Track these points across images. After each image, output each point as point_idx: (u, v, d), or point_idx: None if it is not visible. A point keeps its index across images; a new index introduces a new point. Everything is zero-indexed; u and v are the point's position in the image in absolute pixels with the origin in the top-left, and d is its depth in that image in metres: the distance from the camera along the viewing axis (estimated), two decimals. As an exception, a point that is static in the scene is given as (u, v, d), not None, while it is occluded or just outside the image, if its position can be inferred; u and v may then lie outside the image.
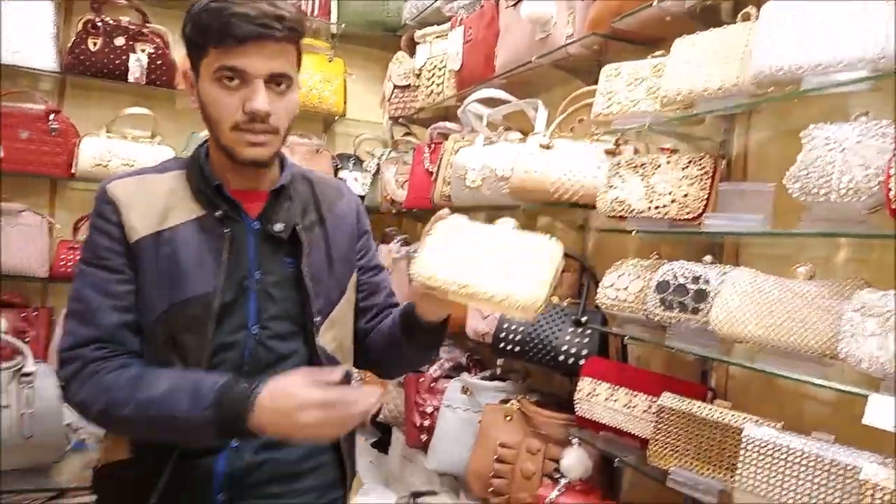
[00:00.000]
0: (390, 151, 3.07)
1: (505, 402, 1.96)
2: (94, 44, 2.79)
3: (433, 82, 2.68)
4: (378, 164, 3.10)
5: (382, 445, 2.79)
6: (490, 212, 2.38)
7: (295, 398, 0.96)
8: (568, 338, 1.73)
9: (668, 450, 1.36)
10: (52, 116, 2.74)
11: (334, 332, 1.21)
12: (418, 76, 2.80)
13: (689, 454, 1.33)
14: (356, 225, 1.31)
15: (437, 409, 2.27)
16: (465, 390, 2.11)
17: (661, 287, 1.39)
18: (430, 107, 2.73)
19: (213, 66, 1.06)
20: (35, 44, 2.73)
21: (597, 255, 2.01)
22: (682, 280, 1.37)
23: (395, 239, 2.91)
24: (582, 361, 1.68)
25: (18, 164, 2.70)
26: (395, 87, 2.94)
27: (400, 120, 3.02)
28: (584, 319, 1.73)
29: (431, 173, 2.51)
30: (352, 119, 3.38)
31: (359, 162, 3.28)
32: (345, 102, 3.27)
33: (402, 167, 2.87)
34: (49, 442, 1.82)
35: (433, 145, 2.60)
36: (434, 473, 2.22)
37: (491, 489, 1.82)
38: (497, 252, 0.99)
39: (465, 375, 2.15)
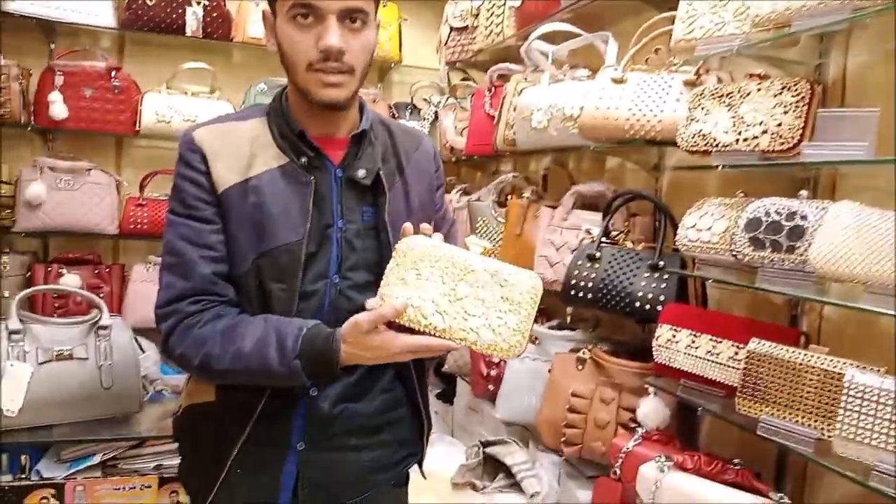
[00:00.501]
0: (448, 98, 2.98)
1: (575, 351, 1.90)
2: (150, -2, 2.77)
3: (492, 21, 2.56)
4: (436, 112, 3.02)
5: (447, 396, 2.79)
6: (557, 154, 2.28)
7: (366, 340, 0.99)
8: (644, 283, 1.64)
9: (758, 398, 1.28)
10: (113, 74, 2.75)
11: None
12: (476, 16, 2.68)
13: (781, 402, 1.25)
14: (433, 175, 1.27)
15: (502, 358, 2.23)
16: (533, 339, 2.06)
17: (752, 225, 1.28)
18: (489, 48, 2.62)
19: (287, 3, 1.03)
20: (93, 1, 2.73)
21: (672, 195, 1.90)
22: (775, 217, 1.26)
23: (455, 188, 2.84)
24: (659, 308, 1.60)
25: (84, 123, 2.74)
26: (452, 29, 2.83)
27: (457, 64, 2.92)
28: (661, 264, 1.64)
29: (493, 117, 2.41)
30: (407, 66, 3.30)
31: (416, 110, 3.21)
32: (400, 49, 3.18)
33: (460, 113, 2.79)
34: (127, 392, 1.87)
35: (493, 88, 2.50)
36: (501, 423, 2.20)
37: (563, 439, 1.77)
38: (474, 292, 0.94)
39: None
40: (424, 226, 1.03)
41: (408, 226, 1.03)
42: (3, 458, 1.74)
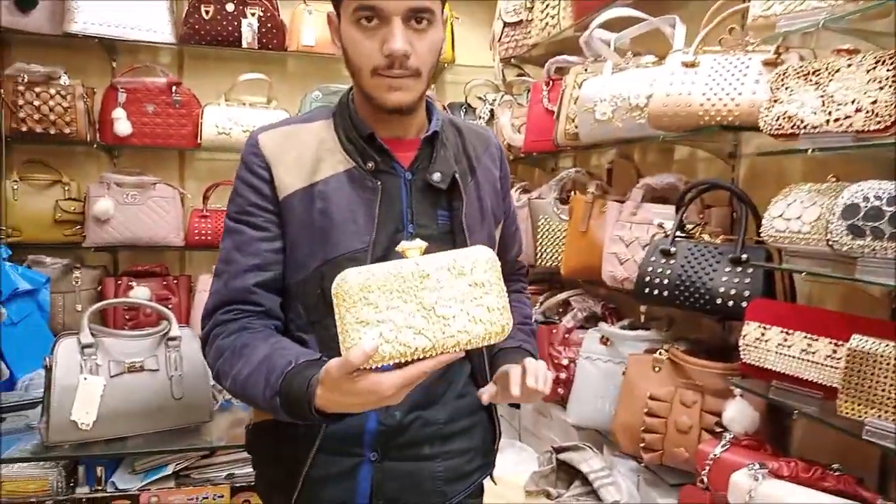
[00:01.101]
0: (503, 95, 2.92)
1: (650, 351, 1.81)
2: (207, 12, 2.81)
3: (547, 14, 2.49)
4: (491, 110, 2.96)
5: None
6: (622, 146, 2.19)
7: (344, 388, 0.87)
8: (725, 279, 1.54)
9: (862, 399, 1.17)
10: (174, 89, 2.80)
11: None
12: (530, 9, 2.61)
13: (889, 403, 1.14)
14: (500, 175, 1.22)
15: (572, 361, 2.16)
16: (604, 341, 1.97)
17: (849, 212, 1.18)
18: (544, 41, 2.55)
19: (350, 6, 0.99)
20: (152, 17, 2.79)
21: (750, 184, 1.78)
22: (875, 202, 1.15)
23: (515, 186, 2.77)
24: (743, 304, 1.50)
25: (147, 138, 2.79)
26: (506, 24, 2.77)
27: (512, 60, 2.85)
28: (744, 257, 1.54)
29: (552, 112, 2.34)
30: (461, 65, 3.25)
31: (470, 109, 3.15)
32: (452, 48, 3.14)
33: (517, 110, 2.72)
34: (197, 402, 1.87)
35: (551, 82, 2.42)
36: (571, 427, 2.12)
37: (642, 444, 1.69)
38: (441, 294, 0.84)
39: (602, 325, 2.01)
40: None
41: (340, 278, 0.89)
42: (80, 471, 1.77)
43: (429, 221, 1.09)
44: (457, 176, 1.10)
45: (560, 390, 2.18)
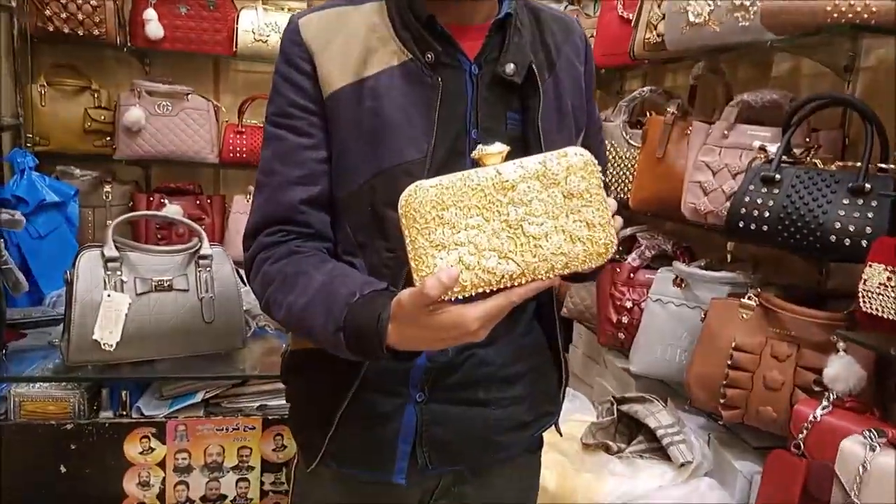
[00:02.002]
0: (566, 5, 2.62)
1: (734, 296, 1.59)
2: None
3: None
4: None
5: (563, 343, 2.53)
6: (709, 60, 1.90)
7: (421, 322, 0.74)
8: (843, 212, 1.30)
9: None
10: (207, -12, 2.58)
11: None
12: None
13: None
14: (585, 70, 1.00)
15: (636, 303, 1.95)
16: (678, 282, 1.76)
17: None
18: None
19: None
20: None
21: (871, 102, 1.50)
22: None
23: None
24: (864, 242, 1.26)
25: (180, 43, 2.60)
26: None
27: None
28: (867, 186, 1.28)
29: (628, 20, 2.06)
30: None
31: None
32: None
33: (584, 21, 2.43)
34: (230, 327, 1.74)
35: (629, -13, 2.13)
36: (628, 376, 1.93)
37: (722, 400, 1.49)
38: (530, 209, 0.71)
39: (677, 264, 1.79)
40: None
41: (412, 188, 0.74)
42: (104, 394, 1.66)
43: (496, 125, 0.91)
44: (534, 67, 0.90)
45: (620, 335, 1.98)
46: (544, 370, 1.03)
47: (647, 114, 2.04)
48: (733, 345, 1.48)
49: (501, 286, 0.70)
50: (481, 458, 0.99)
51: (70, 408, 1.63)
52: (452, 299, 0.69)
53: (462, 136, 0.89)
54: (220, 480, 1.70)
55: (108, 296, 1.56)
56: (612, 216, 0.74)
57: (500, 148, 0.71)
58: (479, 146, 0.72)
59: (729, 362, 1.48)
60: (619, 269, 2.00)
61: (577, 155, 0.71)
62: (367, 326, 0.77)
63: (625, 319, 1.97)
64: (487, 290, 0.70)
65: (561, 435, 1.14)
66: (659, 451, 1.58)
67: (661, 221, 2.10)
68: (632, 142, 2.11)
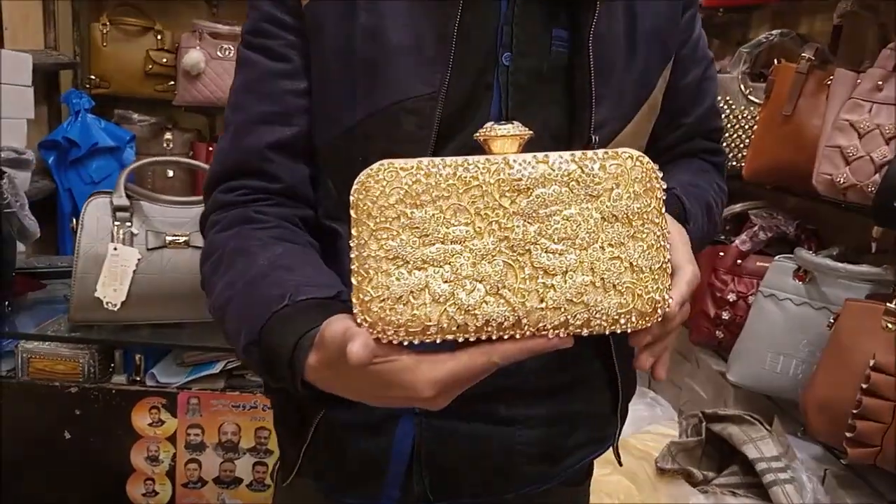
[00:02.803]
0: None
1: (875, 298, 1.21)
2: None
3: None
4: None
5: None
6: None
7: (351, 374, 0.51)
8: None
9: None
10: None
11: None
12: None
13: None
14: None
15: (743, 297, 1.59)
16: (800, 274, 1.39)
17: None
18: None
19: None
20: None
21: None
22: None
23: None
24: None
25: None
26: None
27: None
28: None
29: (759, -55, 1.65)
30: None
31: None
32: None
33: (704, -46, 2.01)
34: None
35: None
36: (725, 382, 1.58)
37: (850, 434, 1.13)
38: (550, 227, 0.46)
39: (801, 252, 1.41)
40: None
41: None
42: (117, 357, 1.51)
43: (536, 48, 0.66)
44: None
45: (719, 334, 1.63)
46: (592, 383, 0.77)
47: (775, 62, 1.63)
48: (871, 363, 1.12)
49: (484, 336, 0.46)
50: (499, 491, 0.75)
51: (80, 368, 1.48)
52: (405, 343, 0.46)
53: (490, 63, 0.65)
54: (235, 462, 1.52)
55: (115, 249, 1.38)
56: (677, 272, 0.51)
57: (517, 129, 0.48)
58: (490, 124, 0.48)
59: (864, 386, 1.12)
60: (722, 253, 1.63)
61: (634, 159, 0.47)
62: (281, 351, 0.54)
63: (725, 315, 1.61)
64: (461, 339, 0.46)
65: (620, 464, 0.86)
66: (758, 487, 1.24)
67: (781, 196, 1.71)
68: (752, 97, 1.72)
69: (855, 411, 1.12)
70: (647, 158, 0.47)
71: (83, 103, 2.26)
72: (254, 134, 0.68)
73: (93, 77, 2.43)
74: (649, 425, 1.53)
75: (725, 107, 1.76)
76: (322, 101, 0.68)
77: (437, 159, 0.46)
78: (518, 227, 0.46)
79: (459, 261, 0.46)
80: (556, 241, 0.46)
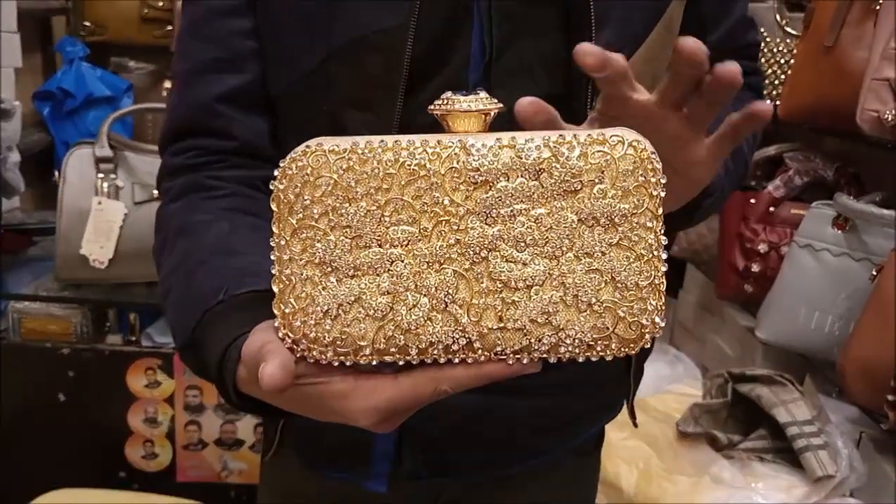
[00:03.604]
0: None
1: (926, 247, 1.09)
2: None
3: None
4: None
5: (669, 286, 2.07)
6: None
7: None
8: None
9: None
10: None
11: None
12: None
13: None
14: None
15: (774, 247, 1.47)
16: (839, 222, 1.26)
17: None
18: None
19: None
20: None
21: None
22: None
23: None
24: None
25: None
26: None
27: None
28: None
29: None
30: None
31: None
32: None
33: None
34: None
35: None
36: (753, 339, 1.47)
37: (892, 397, 1.03)
38: (511, 231, 0.36)
39: (841, 197, 1.28)
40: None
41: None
42: (111, 315, 1.45)
43: None
44: None
45: (748, 287, 1.51)
46: (605, 384, 0.71)
47: (815, -13, 1.48)
48: (921, 321, 1.01)
49: (429, 359, 0.38)
50: (501, 465, 0.69)
51: (72, 328, 1.43)
52: (335, 363, 0.39)
53: None
54: (236, 424, 1.47)
55: (99, 203, 1.30)
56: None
57: (483, 104, 0.38)
58: (447, 94, 0.39)
59: (911, 346, 1.01)
60: (753, 200, 1.51)
61: (626, 144, 0.37)
62: (209, 360, 0.47)
63: (755, 268, 1.49)
64: (401, 363, 0.38)
65: (636, 425, 0.78)
66: (787, 452, 1.16)
67: (819, 137, 1.57)
68: (789, 29, 1.57)
69: (899, 373, 1.02)
70: (644, 143, 0.37)
71: (77, 51, 2.16)
72: (200, 85, 0.60)
73: (87, 24, 2.32)
74: (670, 385, 1.44)
75: (759, 40, 1.61)
76: (274, 41, 0.59)
77: (378, 139, 0.37)
78: (473, 228, 0.37)
79: (400, 268, 0.37)
80: (520, 247, 0.37)
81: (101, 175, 1.32)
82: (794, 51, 1.53)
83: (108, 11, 2.33)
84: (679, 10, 0.59)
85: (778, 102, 1.51)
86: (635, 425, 0.78)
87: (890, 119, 1.16)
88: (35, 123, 2.11)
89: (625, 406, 0.75)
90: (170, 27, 2.38)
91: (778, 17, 1.59)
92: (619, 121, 0.42)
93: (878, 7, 1.25)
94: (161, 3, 2.36)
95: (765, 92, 1.60)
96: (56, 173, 1.33)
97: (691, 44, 0.40)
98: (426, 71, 0.56)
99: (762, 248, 1.47)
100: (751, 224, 1.50)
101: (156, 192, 1.32)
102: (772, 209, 1.48)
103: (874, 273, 1.14)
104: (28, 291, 1.39)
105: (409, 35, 0.54)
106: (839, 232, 1.26)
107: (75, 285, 1.38)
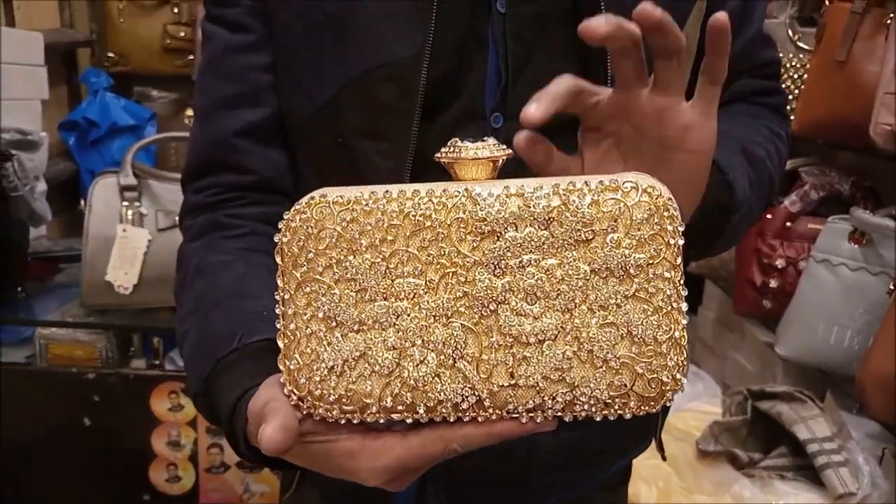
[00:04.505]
0: None
1: (944, 261, 1.08)
2: None
3: None
4: None
5: (690, 303, 2.06)
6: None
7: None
8: None
9: None
10: None
11: None
12: None
13: None
14: None
15: (792, 262, 1.46)
16: (856, 237, 1.26)
17: None
18: None
19: None
20: None
21: None
22: None
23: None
24: None
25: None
26: None
27: None
28: None
29: None
30: None
31: None
32: None
33: None
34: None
35: None
36: (773, 354, 1.46)
37: (913, 414, 1.02)
38: (521, 283, 0.35)
39: (857, 212, 1.28)
40: None
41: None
42: (135, 340, 1.48)
43: None
44: None
45: (766, 303, 1.50)
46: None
47: (826, 2, 1.48)
48: (941, 336, 1.00)
49: (438, 417, 0.37)
50: (523, 501, 0.67)
51: (98, 353, 1.46)
52: (342, 420, 0.38)
53: (481, 12, 0.55)
54: (258, 446, 1.48)
55: (124, 230, 1.34)
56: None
57: (490, 150, 0.37)
58: (453, 141, 0.38)
59: (931, 361, 1.00)
60: (770, 216, 1.50)
61: (640, 191, 0.35)
62: (221, 410, 0.47)
63: (773, 283, 1.48)
64: (409, 420, 0.37)
65: (664, 458, 0.77)
66: (809, 470, 1.14)
67: (835, 152, 1.56)
68: (801, 44, 1.57)
69: (920, 389, 1.01)
70: (659, 189, 0.35)
71: (101, 82, 2.22)
72: (218, 121, 0.60)
73: (111, 55, 2.39)
74: (690, 402, 1.43)
75: (771, 56, 1.62)
76: (288, 74, 0.59)
77: (382, 189, 0.36)
78: (482, 280, 0.35)
79: (406, 322, 0.36)
80: (530, 299, 0.35)
81: (125, 203, 1.36)
82: (808, 66, 1.53)
83: (131, 42, 2.40)
84: (694, 30, 0.57)
85: (793, 118, 1.51)
86: (664, 458, 0.76)
87: (904, 132, 1.16)
88: (61, 153, 2.16)
89: (653, 439, 0.73)
90: (191, 56, 2.44)
91: (790, 32, 1.59)
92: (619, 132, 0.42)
93: (889, 21, 1.25)
94: (182, 34, 2.42)
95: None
96: (82, 202, 1.37)
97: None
98: (441, 99, 0.56)
99: (780, 263, 1.47)
100: (768, 239, 1.49)
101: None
102: (788, 224, 1.47)
103: (892, 287, 1.13)
104: (54, 318, 1.42)
105: (423, 65, 0.54)
106: (856, 246, 1.26)
107: (100, 311, 1.42)
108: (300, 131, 0.60)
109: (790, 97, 1.60)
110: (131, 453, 1.45)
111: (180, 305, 0.57)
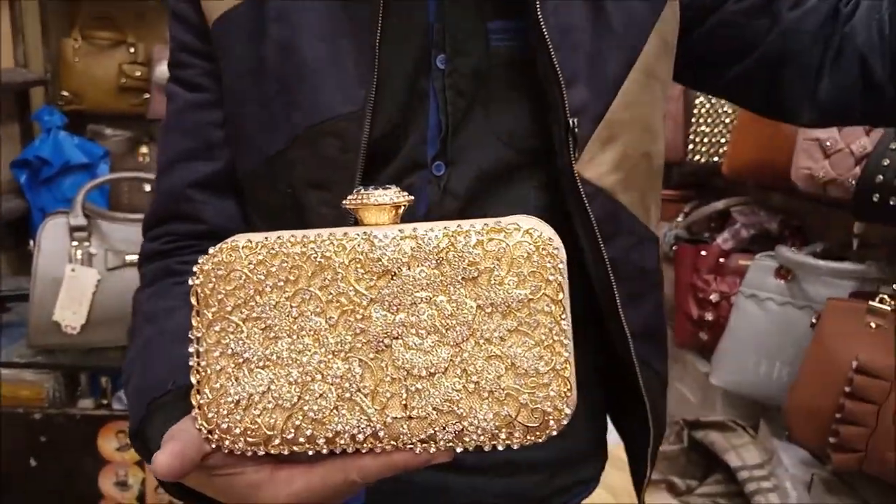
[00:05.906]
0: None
1: (859, 296, 1.16)
2: None
3: None
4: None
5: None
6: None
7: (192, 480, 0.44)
8: None
9: None
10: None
11: (617, 151, 0.58)
12: None
13: None
14: None
15: (726, 297, 1.54)
16: (782, 273, 1.33)
17: None
18: None
19: None
20: None
21: None
22: None
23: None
24: None
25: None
26: None
27: None
28: None
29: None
30: None
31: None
32: None
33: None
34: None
35: None
36: (712, 386, 1.52)
37: (833, 439, 1.08)
38: (413, 319, 0.38)
39: (782, 249, 1.36)
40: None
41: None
42: (83, 380, 1.46)
43: (478, 44, 0.57)
44: None
45: (702, 336, 1.58)
46: (578, 420, 0.69)
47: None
48: (854, 365, 1.07)
49: (338, 449, 0.38)
50: None
51: (44, 394, 1.44)
52: (248, 453, 0.39)
53: (423, 69, 0.57)
54: (207, 486, 1.47)
55: (73, 270, 1.34)
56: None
57: (391, 197, 0.39)
58: (358, 188, 0.40)
59: (847, 389, 1.07)
60: (704, 253, 1.58)
61: (522, 232, 0.37)
62: (153, 447, 0.47)
63: (709, 316, 1.56)
64: (311, 453, 0.39)
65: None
66: (742, 496, 1.20)
67: (766, 192, 1.65)
68: (729, 91, 1.67)
69: (839, 416, 1.07)
70: (540, 230, 0.37)
71: (55, 120, 2.21)
72: (175, 173, 0.63)
73: (65, 93, 2.39)
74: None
75: (705, 101, 1.72)
76: (239, 129, 0.61)
77: (288, 234, 0.39)
78: (378, 317, 0.38)
79: (308, 358, 0.38)
80: (422, 334, 0.38)
81: (74, 243, 1.36)
82: (737, 112, 1.63)
83: (85, 82, 2.40)
84: (656, 52, 0.59)
85: (724, 158, 1.61)
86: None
87: (822, 176, 1.25)
88: (12, 190, 2.15)
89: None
90: (146, 95, 2.46)
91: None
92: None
93: (804, 73, 1.35)
94: (138, 73, 2.44)
95: (711, 150, 1.69)
96: (31, 241, 1.37)
97: None
98: (385, 151, 0.57)
99: (714, 297, 1.54)
100: (702, 275, 1.57)
101: (128, 257, 1.39)
102: (721, 260, 1.56)
103: (814, 320, 1.20)
104: (1, 358, 1.41)
105: (366, 121, 0.55)
106: (782, 282, 1.33)
107: (48, 351, 1.41)
108: (250, 182, 0.62)
109: (723, 140, 1.70)
110: (78, 494, 1.43)
111: (129, 350, 0.58)
